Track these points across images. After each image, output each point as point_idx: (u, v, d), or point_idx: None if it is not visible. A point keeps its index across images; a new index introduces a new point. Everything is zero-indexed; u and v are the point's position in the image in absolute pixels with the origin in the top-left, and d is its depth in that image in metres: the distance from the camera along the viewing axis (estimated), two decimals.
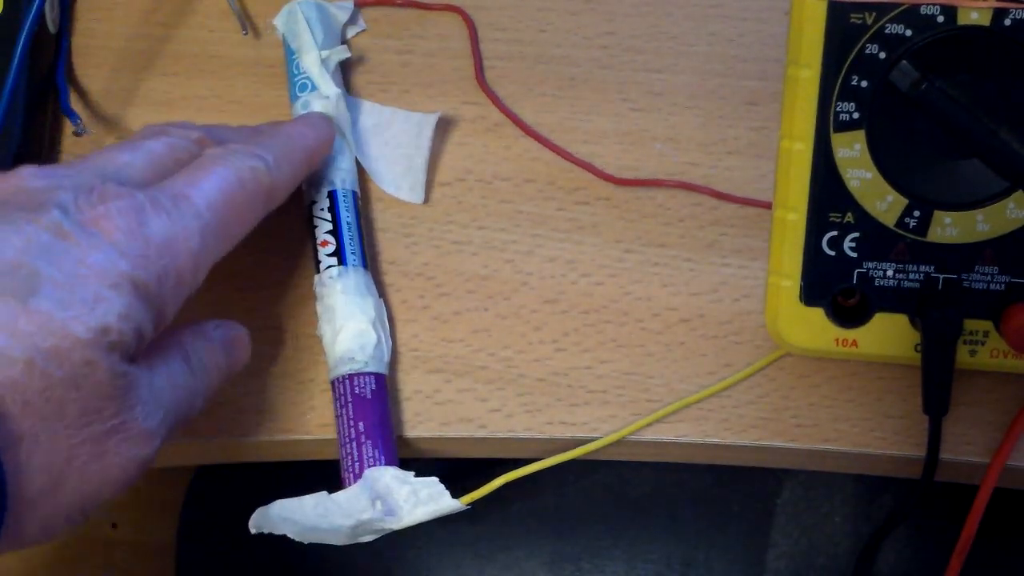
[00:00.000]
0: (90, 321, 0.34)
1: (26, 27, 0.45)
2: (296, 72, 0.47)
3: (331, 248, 0.44)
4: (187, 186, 0.38)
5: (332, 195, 0.45)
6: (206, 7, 0.50)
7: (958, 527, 0.42)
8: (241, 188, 0.39)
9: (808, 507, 0.57)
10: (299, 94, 0.47)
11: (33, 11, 0.45)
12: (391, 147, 0.47)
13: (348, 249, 0.44)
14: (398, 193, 0.47)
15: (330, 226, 0.44)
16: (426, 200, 0.47)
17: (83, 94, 0.49)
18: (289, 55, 0.48)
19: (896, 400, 0.43)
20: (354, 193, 0.46)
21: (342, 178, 0.45)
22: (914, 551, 0.56)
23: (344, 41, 0.49)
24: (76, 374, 0.33)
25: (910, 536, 0.56)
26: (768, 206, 0.44)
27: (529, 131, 0.47)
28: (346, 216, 0.45)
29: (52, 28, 0.48)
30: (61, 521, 0.35)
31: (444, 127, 0.48)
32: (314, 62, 0.47)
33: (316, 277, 0.44)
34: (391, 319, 0.45)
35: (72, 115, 0.47)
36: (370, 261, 0.46)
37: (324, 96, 0.46)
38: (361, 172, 0.47)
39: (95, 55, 0.50)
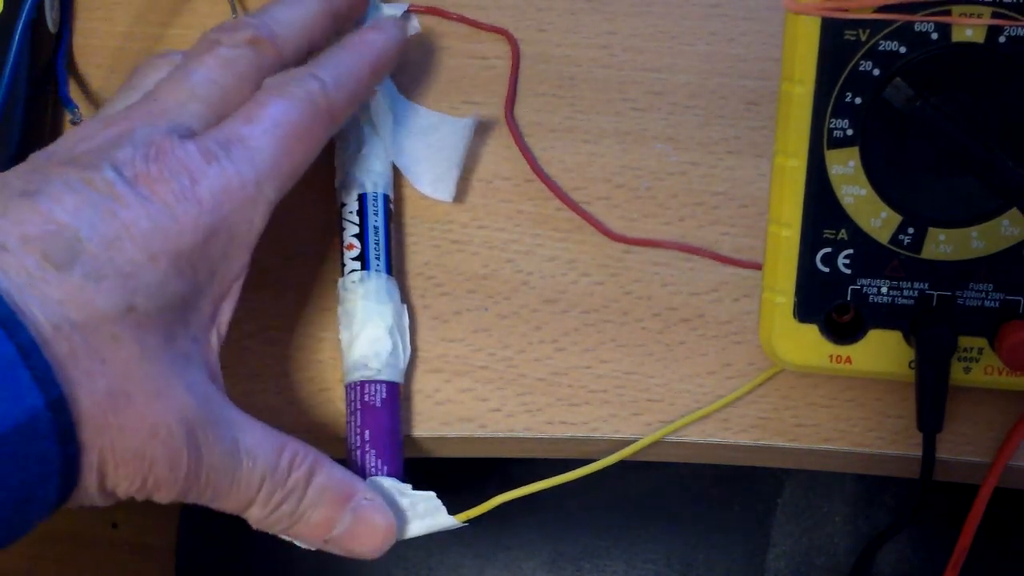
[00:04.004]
0: (117, 297, 0.34)
1: (23, 17, 0.46)
2: None
3: (356, 252, 0.44)
4: (243, 126, 0.38)
5: (362, 198, 0.44)
6: (203, 6, 0.50)
7: (958, 526, 0.42)
8: (300, 117, 0.39)
9: (808, 507, 0.57)
10: None
11: (30, 2, 0.46)
12: (434, 149, 0.47)
13: (372, 254, 0.44)
14: (434, 194, 0.46)
15: (357, 229, 0.44)
16: (456, 199, 0.46)
17: (83, 92, 0.49)
18: None
19: (896, 400, 0.43)
20: (385, 197, 0.45)
21: (374, 181, 0.45)
22: (914, 550, 0.56)
23: None
24: (101, 347, 0.34)
25: (910, 535, 0.56)
26: (757, 267, 0.44)
27: (541, 175, 0.47)
28: (373, 220, 0.44)
29: (52, 28, 0.48)
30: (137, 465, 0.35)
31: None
32: None
33: (340, 280, 0.44)
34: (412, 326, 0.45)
35: (69, 104, 0.48)
36: (398, 266, 0.45)
37: None
38: (396, 178, 0.47)
39: (95, 54, 0.50)
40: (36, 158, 0.37)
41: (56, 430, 0.32)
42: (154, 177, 0.36)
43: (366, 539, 0.40)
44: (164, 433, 0.35)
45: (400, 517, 0.41)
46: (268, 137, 0.38)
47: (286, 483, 0.38)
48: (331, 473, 0.39)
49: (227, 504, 0.37)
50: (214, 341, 0.38)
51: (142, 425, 0.34)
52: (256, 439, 0.37)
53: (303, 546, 0.40)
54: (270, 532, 0.39)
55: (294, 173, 0.39)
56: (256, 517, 0.38)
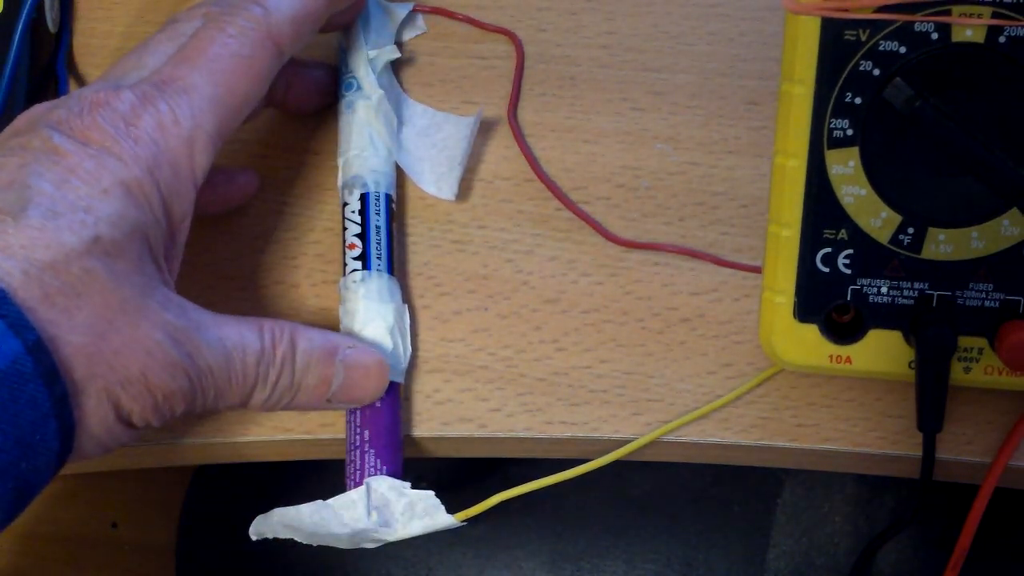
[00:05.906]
0: (80, 229, 0.34)
1: (23, 17, 0.46)
2: (344, 70, 0.47)
3: (357, 251, 0.44)
4: (177, 66, 0.39)
5: (364, 198, 0.44)
6: None
7: (958, 526, 0.42)
8: (238, 49, 0.39)
9: (808, 507, 0.57)
10: (344, 92, 0.46)
11: (30, 2, 0.46)
12: (438, 149, 0.47)
13: (373, 254, 0.44)
14: (438, 192, 0.46)
15: (358, 229, 0.44)
16: (458, 197, 0.46)
17: None
18: (341, 52, 0.47)
19: (897, 400, 0.43)
20: (388, 196, 0.45)
21: (376, 180, 0.45)
22: (914, 550, 0.56)
23: (400, 42, 0.49)
24: (76, 283, 0.34)
25: (910, 535, 0.56)
26: (758, 271, 0.44)
27: (542, 176, 0.47)
28: (375, 220, 0.44)
29: (52, 28, 0.49)
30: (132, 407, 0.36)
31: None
32: (361, 61, 0.46)
33: (341, 280, 0.44)
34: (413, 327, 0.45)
35: None
36: (399, 266, 0.45)
37: (367, 96, 0.46)
38: (400, 177, 0.47)
39: (95, 55, 0.50)
40: None
41: (41, 372, 0.33)
42: (88, 126, 0.37)
43: (363, 383, 0.41)
44: (155, 348, 0.36)
45: (399, 518, 0.41)
46: (203, 73, 0.39)
47: (276, 360, 0.39)
48: (310, 336, 0.40)
49: (232, 398, 0.38)
50: (168, 277, 0.38)
51: (134, 346, 0.35)
52: (236, 330, 0.38)
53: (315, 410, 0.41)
54: (276, 411, 0.40)
55: (239, 105, 0.40)
56: (259, 402, 0.39)
